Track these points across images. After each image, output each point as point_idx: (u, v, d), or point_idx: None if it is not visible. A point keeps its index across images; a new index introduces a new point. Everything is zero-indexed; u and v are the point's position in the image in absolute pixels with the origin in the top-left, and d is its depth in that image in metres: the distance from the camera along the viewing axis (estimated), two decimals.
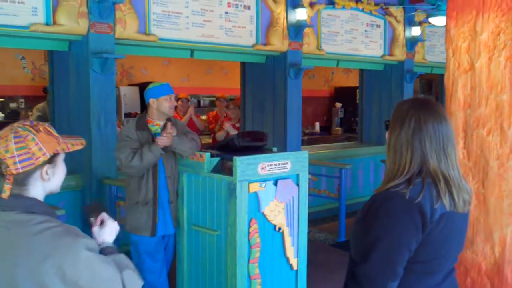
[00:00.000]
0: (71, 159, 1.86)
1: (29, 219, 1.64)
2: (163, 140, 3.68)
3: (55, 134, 1.76)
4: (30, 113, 8.28)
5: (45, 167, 1.70)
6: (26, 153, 1.66)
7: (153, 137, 3.81)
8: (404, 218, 1.70)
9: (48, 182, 1.73)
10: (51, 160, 1.72)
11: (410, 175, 1.76)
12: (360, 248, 1.79)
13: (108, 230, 1.90)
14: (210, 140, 7.82)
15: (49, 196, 1.79)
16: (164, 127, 3.86)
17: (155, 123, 3.91)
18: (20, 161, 1.65)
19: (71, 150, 1.78)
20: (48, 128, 1.75)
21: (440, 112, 1.82)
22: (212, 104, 10.51)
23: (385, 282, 1.72)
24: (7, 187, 1.67)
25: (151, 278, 3.84)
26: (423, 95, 11.76)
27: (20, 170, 1.66)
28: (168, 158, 3.83)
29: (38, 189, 1.72)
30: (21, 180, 1.69)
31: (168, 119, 3.95)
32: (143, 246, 3.85)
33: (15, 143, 1.66)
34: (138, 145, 3.78)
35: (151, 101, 3.89)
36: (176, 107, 4.25)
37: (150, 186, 3.83)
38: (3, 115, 8.62)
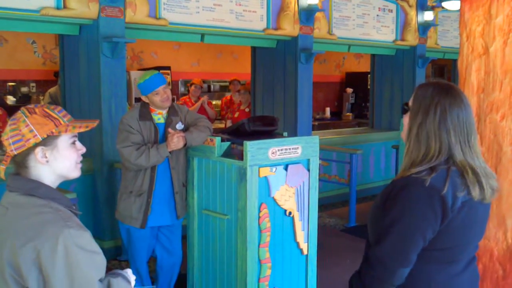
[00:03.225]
0: (82, 143, 1.83)
1: (27, 202, 1.65)
2: (174, 144, 3.61)
3: (55, 115, 1.72)
4: (41, 97, 8.31)
5: (38, 149, 1.67)
6: (17, 135, 1.66)
7: (155, 127, 3.75)
8: (422, 205, 1.68)
9: (49, 165, 1.70)
10: (47, 142, 1.69)
11: (435, 163, 1.72)
12: (376, 231, 1.78)
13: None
14: (222, 126, 7.81)
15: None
16: (168, 116, 3.80)
17: (158, 112, 3.81)
18: (13, 143, 1.67)
19: (70, 132, 1.73)
20: (47, 110, 1.72)
21: (464, 98, 1.78)
22: (222, 89, 10.49)
23: (396, 267, 1.71)
24: (1, 168, 1.71)
25: (139, 263, 3.88)
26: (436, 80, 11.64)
27: (15, 152, 1.67)
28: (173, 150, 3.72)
29: (41, 172, 1.70)
30: (20, 161, 1.69)
31: (172, 106, 3.85)
32: (135, 233, 3.81)
33: (9, 125, 1.69)
34: (140, 138, 3.68)
35: (143, 98, 3.80)
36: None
37: (147, 177, 3.73)
38: (14, 99, 8.66)
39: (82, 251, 1.59)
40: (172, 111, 3.86)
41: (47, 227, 1.59)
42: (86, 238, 1.63)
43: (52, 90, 7.40)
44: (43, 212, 1.62)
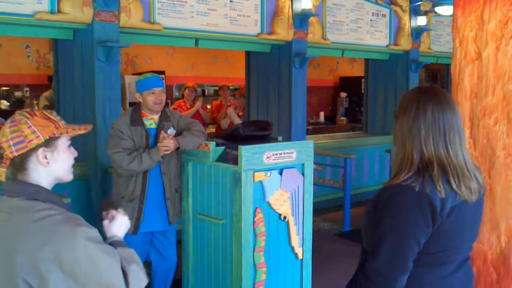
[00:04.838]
0: (76, 147, 1.85)
1: (31, 206, 1.66)
2: (165, 149, 3.61)
3: (54, 118, 1.75)
4: (35, 102, 8.29)
5: (40, 150, 1.70)
6: (19, 136, 1.68)
7: (147, 133, 3.75)
8: (414, 212, 1.68)
9: (49, 166, 1.73)
10: (48, 144, 1.71)
11: (417, 167, 1.74)
12: (370, 241, 1.78)
13: (117, 225, 1.92)
14: (213, 130, 7.82)
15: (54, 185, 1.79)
16: (160, 121, 3.78)
17: (150, 117, 3.80)
18: (14, 144, 1.68)
19: (71, 134, 1.77)
20: (46, 113, 1.75)
21: (443, 98, 1.79)
22: (217, 93, 10.49)
23: (396, 276, 1.71)
24: (2, 170, 1.71)
25: None
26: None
27: (15, 153, 1.68)
28: (165, 154, 3.71)
29: (39, 174, 1.72)
30: (19, 164, 1.70)
31: (164, 112, 3.84)
32: (127, 239, 3.80)
33: (9, 127, 1.69)
34: (131, 144, 3.68)
35: (137, 96, 3.79)
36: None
37: (139, 183, 3.73)
38: (8, 103, 8.64)
39: (98, 244, 1.65)
40: (164, 117, 3.85)
41: (60, 227, 1.62)
42: (96, 233, 1.69)
43: (47, 93, 7.37)
44: (52, 214, 1.64)
